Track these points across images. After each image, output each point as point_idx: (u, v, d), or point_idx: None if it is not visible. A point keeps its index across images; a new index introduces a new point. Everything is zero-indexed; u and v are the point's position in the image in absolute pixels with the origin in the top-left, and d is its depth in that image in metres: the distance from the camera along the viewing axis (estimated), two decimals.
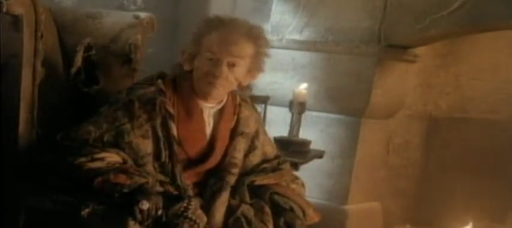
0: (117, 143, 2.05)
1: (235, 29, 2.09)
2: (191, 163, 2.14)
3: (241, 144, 2.21)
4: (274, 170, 2.26)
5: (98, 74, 2.40)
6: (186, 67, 2.14)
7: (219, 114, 2.18)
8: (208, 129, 2.17)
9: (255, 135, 2.26)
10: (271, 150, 2.33)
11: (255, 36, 2.12)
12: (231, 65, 2.08)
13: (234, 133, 2.21)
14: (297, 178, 2.34)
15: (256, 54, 2.13)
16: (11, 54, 2.10)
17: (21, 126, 2.12)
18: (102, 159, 1.98)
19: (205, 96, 2.14)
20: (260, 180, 2.21)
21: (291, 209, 2.16)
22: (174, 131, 2.09)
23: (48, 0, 2.48)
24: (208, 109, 2.17)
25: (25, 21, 2.09)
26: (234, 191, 2.15)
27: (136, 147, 2.05)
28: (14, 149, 2.11)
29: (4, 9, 2.03)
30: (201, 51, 2.10)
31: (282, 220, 2.14)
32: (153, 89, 2.11)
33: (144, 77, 2.24)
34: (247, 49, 2.10)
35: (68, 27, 2.43)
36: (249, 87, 2.23)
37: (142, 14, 2.54)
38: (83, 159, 1.97)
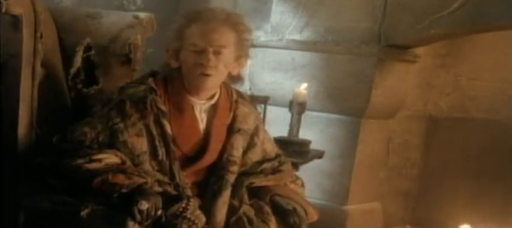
0: (112, 143, 2.05)
1: (213, 18, 2.10)
2: (188, 161, 2.14)
3: (239, 142, 2.21)
4: (274, 171, 2.26)
5: (97, 74, 2.40)
6: (173, 64, 2.15)
7: (213, 110, 2.18)
8: (202, 125, 2.17)
9: (255, 132, 2.26)
10: (271, 148, 2.32)
11: (234, 23, 2.13)
12: (217, 54, 2.08)
13: (231, 130, 2.21)
14: (297, 179, 2.34)
15: (239, 41, 2.14)
16: (10, 54, 2.10)
17: (21, 127, 2.12)
18: (100, 160, 1.98)
19: (197, 91, 2.14)
20: (259, 182, 2.21)
21: (294, 210, 2.16)
22: (168, 129, 2.09)
23: (48, 0, 2.48)
24: (200, 105, 2.16)
25: (24, 21, 2.09)
26: (234, 191, 2.15)
27: (132, 146, 2.05)
28: (13, 149, 2.11)
29: (4, 9, 2.03)
30: (184, 45, 2.11)
31: (287, 221, 2.14)
32: (143, 87, 2.12)
33: (137, 77, 2.25)
34: (228, 36, 2.11)
35: (68, 27, 2.43)
36: (239, 78, 2.23)
37: (142, 14, 2.54)
38: (81, 161, 1.97)
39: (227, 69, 2.13)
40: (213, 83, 2.13)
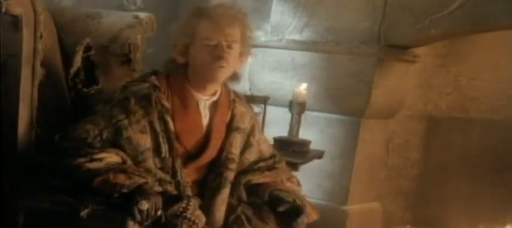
0: (116, 140, 2.05)
1: (226, 13, 2.12)
2: (189, 157, 2.15)
3: (237, 140, 2.22)
4: (270, 169, 2.28)
5: (97, 74, 2.40)
6: (180, 60, 2.15)
7: (214, 107, 2.19)
8: (205, 121, 2.18)
9: (251, 132, 2.28)
10: (267, 149, 2.34)
11: (241, 20, 2.16)
12: (229, 48, 2.10)
13: (230, 128, 2.22)
14: (292, 177, 2.36)
15: (243, 38, 2.16)
16: (10, 54, 2.09)
17: (21, 127, 2.12)
18: (101, 159, 1.98)
19: (204, 85, 2.15)
20: (256, 179, 2.22)
21: (294, 201, 2.16)
22: (171, 125, 2.10)
23: (48, 0, 2.48)
24: (204, 101, 2.18)
25: (24, 21, 2.09)
26: (232, 190, 2.15)
27: (136, 143, 2.06)
28: (13, 149, 2.11)
29: (3, 9, 2.02)
30: (195, 41, 2.11)
31: (285, 206, 2.14)
32: (147, 85, 2.12)
33: (138, 76, 2.25)
34: (237, 32, 2.13)
35: (68, 27, 2.43)
36: (237, 76, 2.23)
37: (142, 14, 2.54)
38: (81, 160, 1.97)
39: (234, 64, 2.15)
40: (225, 76, 2.15)
